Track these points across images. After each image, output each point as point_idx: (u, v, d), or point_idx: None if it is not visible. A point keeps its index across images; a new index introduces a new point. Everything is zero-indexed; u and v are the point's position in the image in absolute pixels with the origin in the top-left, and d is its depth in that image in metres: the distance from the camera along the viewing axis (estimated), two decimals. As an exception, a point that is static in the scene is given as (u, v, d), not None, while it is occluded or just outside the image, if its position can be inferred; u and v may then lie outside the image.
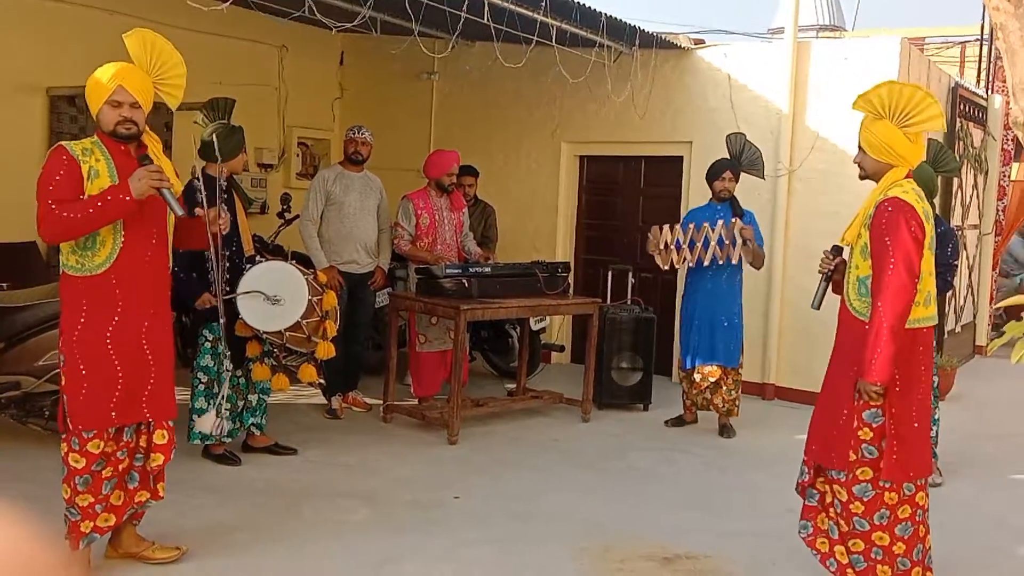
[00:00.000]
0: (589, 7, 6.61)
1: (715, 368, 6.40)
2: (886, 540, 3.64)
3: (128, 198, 3.49)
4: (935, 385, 4.82)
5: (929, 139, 5.21)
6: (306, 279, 5.10)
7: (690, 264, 6.35)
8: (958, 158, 8.36)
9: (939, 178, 5.46)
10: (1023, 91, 3.30)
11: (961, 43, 14.82)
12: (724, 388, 6.46)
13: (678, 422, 6.74)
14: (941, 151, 5.42)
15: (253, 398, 5.48)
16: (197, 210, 3.99)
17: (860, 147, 3.75)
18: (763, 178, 6.65)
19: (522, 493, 5.16)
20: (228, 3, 5.47)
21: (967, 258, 9.84)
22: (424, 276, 6.34)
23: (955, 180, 8.98)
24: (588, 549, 4.35)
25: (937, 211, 5.80)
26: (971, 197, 9.77)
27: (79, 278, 3.60)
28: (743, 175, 6.49)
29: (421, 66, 9.14)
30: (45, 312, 5.04)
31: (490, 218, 7.92)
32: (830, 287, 3.95)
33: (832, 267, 3.92)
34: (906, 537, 3.65)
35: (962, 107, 9.05)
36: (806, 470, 3.87)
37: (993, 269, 10.75)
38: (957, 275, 6.43)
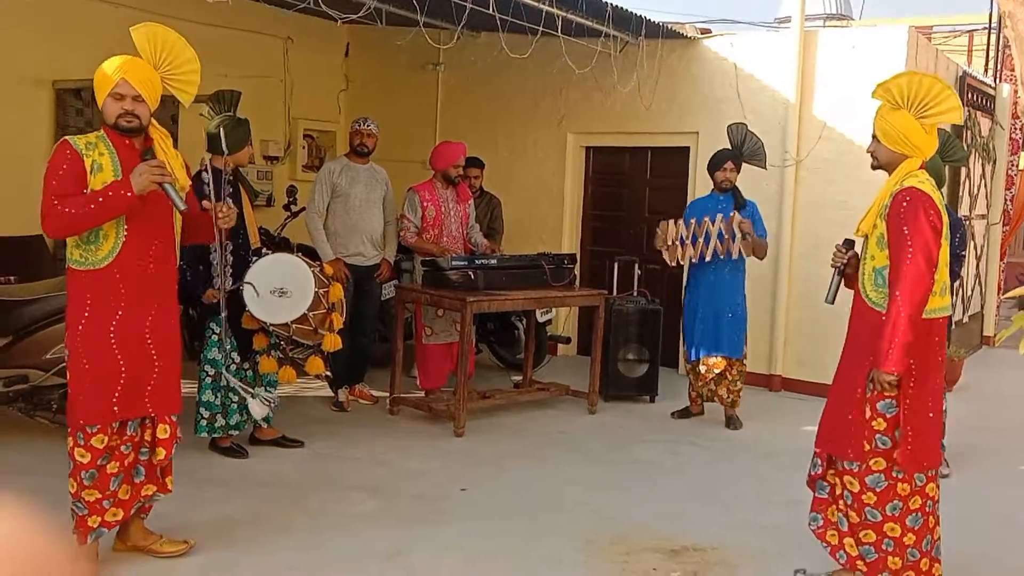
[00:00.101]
0: (595, -3, 6.59)
1: (720, 359, 6.39)
2: (897, 531, 3.64)
3: (129, 193, 3.48)
4: (943, 376, 4.81)
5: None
6: (312, 271, 5.10)
7: (693, 260, 6.34)
8: (966, 147, 8.33)
9: (947, 168, 5.44)
10: (1032, 80, 3.28)
11: (969, 32, 14.75)
12: (729, 379, 6.45)
13: (684, 414, 6.74)
14: (949, 140, 5.39)
15: (260, 391, 5.49)
16: (204, 203, 3.98)
17: (875, 136, 3.72)
18: (765, 168, 6.62)
19: (528, 485, 5.16)
20: (233, -5, 5.46)
21: (975, 248, 9.81)
22: (430, 268, 6.33)
23: (963, 170, 8.94)
24: (594, 541, 4.35)
25: (945, 201, 5.78)
26: (979, 187, 9.74)
27: (83, 272, 3.61)
28: (745, 165, 6.47)
29: (426, 57, 9.13)
30: (52, 306, 5.06)
31: (496, 210, 7.91)
32: (843, 281, 3.94)
33: (845, 261, 3.90)
34: (916, 528, 3.65)
35: (970, 96, 9.01)
36: (819, 462, 3.86)
37: (1001, 259, 10.71)
38: (965, 265, 6.41)
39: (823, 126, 7.51)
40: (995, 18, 11.01)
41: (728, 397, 6.49)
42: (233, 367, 5.24)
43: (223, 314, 4.54)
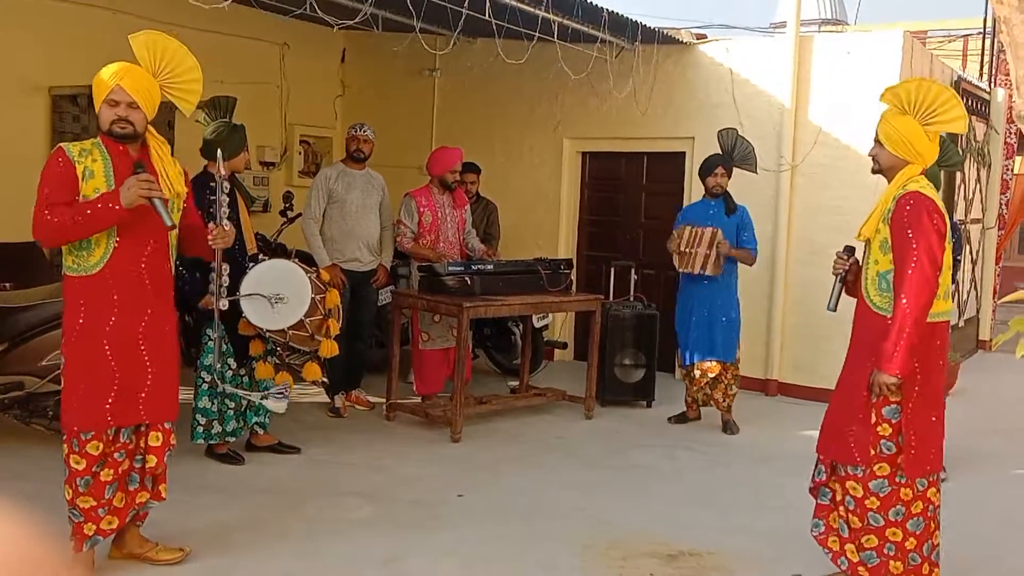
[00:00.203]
0: (590, 3, 6.60)
1: (714, 364, 6.39)
2: (899, 536, 3.65)
3: (117, 207, 3.47)
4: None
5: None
6: (309, 277, 5.10)
7: (690, 271, 6.33)
8: (961, 152, 8.34)
9: (942, 172, 5.45)
10: (1027, 85, 3.28)
11: (964, 36, 14.80)
12: (724, 383, 6.46)
13: (681, 419, 6.74)
14: (944, 145, 5.39)
15: (258, 395, 5.48)
16: (211, 224, 3.94)
17: (877, 140, 3.73)
18: (756, 172, 6.64)
19: (525, 490, 5.15)
20: (229, 1, 5.46)
21: (970, 252, 9.83)
22: (427, 274, 6.33)
23: (958, 174, 8.96)
24: (591, 546, 4.35)
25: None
26: (974, 191, 9.76)
27: (77, 278, 3.61)
28: (738, 171, 6.49)
29: (423, 63, 9.14)
30: (48, 312, 5.05)
31: (492, 215, 7.92)
32: (844, 288, 3.95)
33: (846, 268, 3.91)
34: (918, 533, 3.66)
35: (965, 101, 9.00)
36: (823, 469, 3.86)
37: (996, 263, 10.73)
38: (960, 270, 6.42)
39: (819, 131, 7.53)
40: (990, 23, 11.05)
41: (724, 401, 6.49)
42: (229, 373, 5.24)
43: (215, 330, 4.49)
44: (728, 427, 6.53)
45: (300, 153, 9.82)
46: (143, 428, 3.76)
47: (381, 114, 9.15)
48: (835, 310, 3.93)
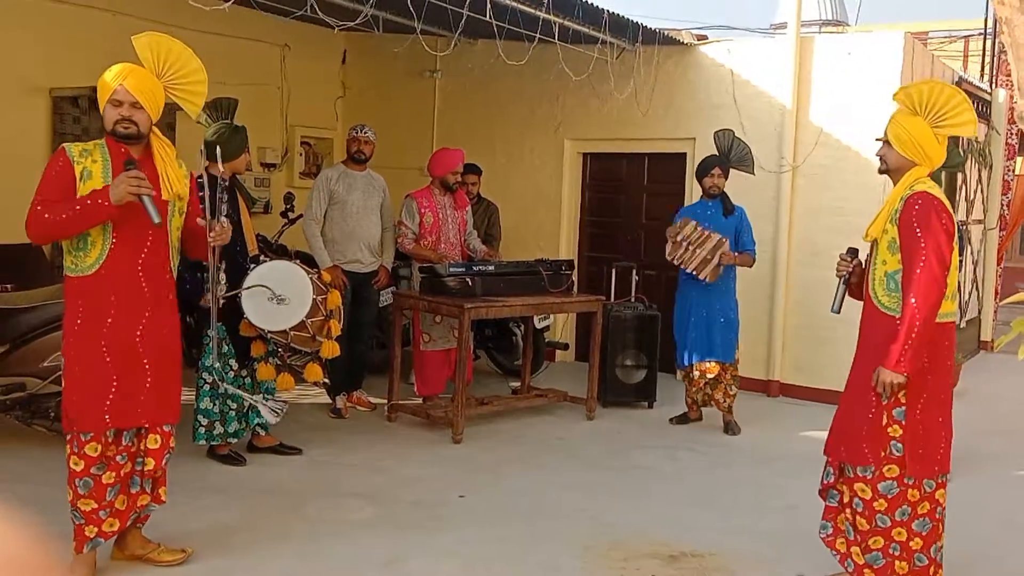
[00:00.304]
0: (591, 4, 6.60)
1: (713, 364, 6.39)
2: (904, 536, 3.64)
3: (106, 203, 3.46)
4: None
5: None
6: (310, 278, 5.10)
7: (683, 266, 6.33)
8: (962, 153, 8.34)
9: (943, 173, 5.45)
10: (1028, 86, 3.28)
11: (964, 37, 14.79)
12: (724, 384, 6.46)
13: (682, 419, 6.74)
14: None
15: (258, 398, 5.48)
16: (199, 220, 3.91)
17: (886, 140, 3.72)
18: (753, 173, 6.64)
19: (526, 491, 5.15)
20: (230, 3, 5.46)
21: (972, 253, 9.83)
22: (428, 275, 6.34)
23: (959, 175, 8.96)
24: (593, 547, 4.35)
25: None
26: (975, 192, 9.75)
27: (75, 279, 3.62)
28: (737, 172, 6.50)
29: (423, 64, 9.14)
30: (49, 313, 5.05)
31: (493, 216, 7.92)
32: (847, 290, 3.95)
33: (850, 270, 3.91)
34: (924, 533, 3.65)
35: (966, 102, 9.01)
36: (831, 471, 3.84)
37: (998, 264, 10.72)
38: (962, 270, 6.42)
39: (819, 132, 7.53)
40: (991, 24, 11.04)
41: (725, 402, 6.49)
42: (231, 374, 5.24)
43: (213, 331, 4.48)
44: (729, 428, 6.53)
45: (301, 154, 9.83)
46: (143, 431, 3.76)
47: (382, 115, 9.15)
48: (839, 312, 3.93)
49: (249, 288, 4.88)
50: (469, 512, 4.79)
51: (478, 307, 6.06)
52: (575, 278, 7.12)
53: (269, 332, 5.08)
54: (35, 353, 5.13)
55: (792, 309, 7.68)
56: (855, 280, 3.91)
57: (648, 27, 7.43)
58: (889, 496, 3.62)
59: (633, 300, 7.39)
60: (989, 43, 11.50)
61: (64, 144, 3.66)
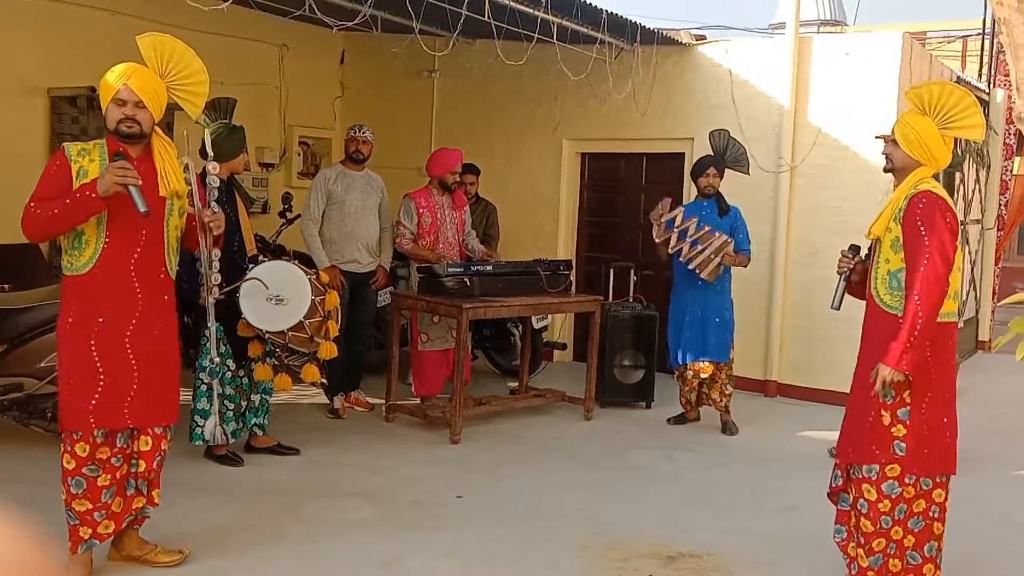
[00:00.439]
0: (590, 4, 6.60)
1: (707, 364, 6.39)
2: (900, 534, 3.65)
3: (94, 195, 3.45)
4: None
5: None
6: (309, 279, 5.09)
7: (670, 251, 6.33)
8: (960, 153, 8.34)
9: (941, 173, 5.45)
10: (1026, 86, 3.28)
11: (963, 37, 14.79)
12: (719, 383, 6.46)
13: (680, 420, 6.74)
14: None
15: (255, 398, 5.48)
16: (190, 209, 3.90)
17: (893, 139, 3.73)
18: (748, 174, 6.65)
19: (524, 491, 5.15)
20: (229, 2, 5.46)
21: (970, 253, 9.84)
22: (426, 275, 6.33)
23: (957, 175, 8.96)
24: (591, 547, 4.34)
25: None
26: (973, 192, 9.76)
27: (70, 277, 3.62)
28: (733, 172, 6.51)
29: (422, 64, 9.14)
30: (47, 314, 5.03)
31: (491, 216, 7.92)
32: (847, 288, 3.95)
33: (851, 267, 3.90)
34: (916, 531, 3.65)
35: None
36: (839, 474, 3.83)
37: (996, 264, 10.73)
38: (960, 270, 6.42)
39: (818, 132, 7.53)
40: (989, 23, 11.05)
41: (721, 401, 6.49)
42: (228, 374, 5.24)
43: (210, 327, 4.45)
44: (727, 428, 6.53)
45: (299, 154, 9.82)
46: (136, 432, 3.74)
47: (380, 115, 9.14)
48: (838, 308, 3.93)
49: (248, 280, 4.87)
50: (467, 512, 4.78)
51: (476, 307, 6.05)
52: (573, 278, 7.12)
53: (267, 332, 5.07)
54: (33, 353, 5.12)
55: (790, 309, 7.68)
56: (856, 278, 3.90)
57: (646, 27, 7.43)
58: (892, 496, 3.62)
59: (631, 300, 7.39)
60: (987, 43, 11.50)
61: (64, 144, 3.66)
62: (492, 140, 9.03)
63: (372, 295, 6.76)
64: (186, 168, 3.86)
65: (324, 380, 6.38)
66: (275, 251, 7.50)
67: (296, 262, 5.43)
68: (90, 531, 3.67)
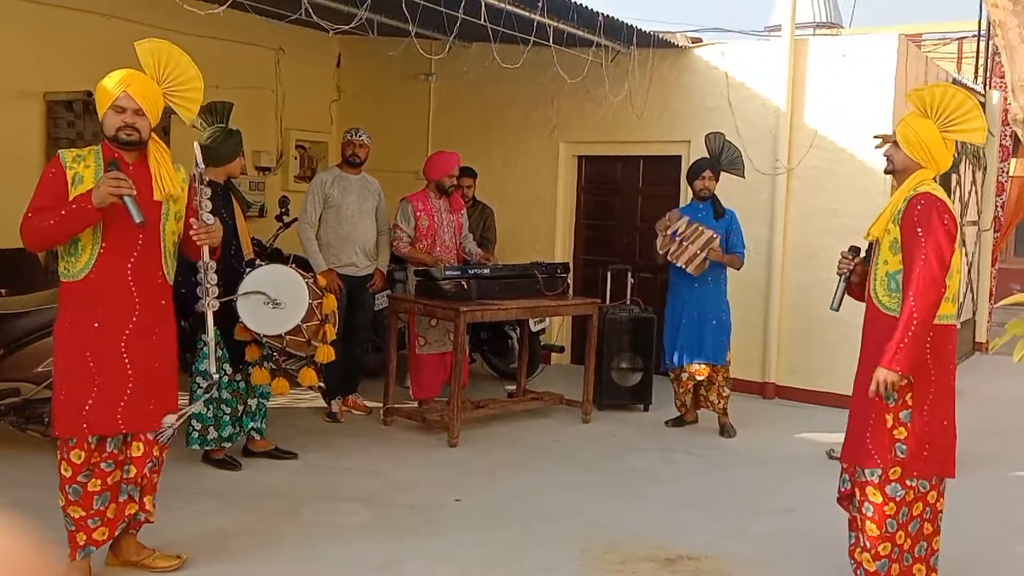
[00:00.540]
0: (586, 7, 6.61)
1: (703, 366, 6.39)
2: (902, 538, 3.65)
3: (90, 206, 3.44)
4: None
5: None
6: (306, 282, 5.09)
7: (670, 259, 6.34)
8: (956, 154, 8.34)
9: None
10: (1022, 88, 3.28)
11: (958, 39, 14.81)
12: (716, 385, 6.47)
13: (678, 422, 6.74)
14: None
15: (253, 402, 5.47)
16: (192, 221, 3.85)
17: (894, 141, 3.73)
18: (743, 177, 6.66)
19: (522, 495, 5.15)
20: (225, 6, 5.46)
21: (966, 255, 9.85)
22: (423, 278, 6.33)
23: (953, 176, 8.98)
24: (589, 550, 4.34)
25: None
26: (970, 193, 9.78)
27: (67, 283, 3.62)
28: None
29: (418, 68, 9.14)
30: (43, 318, 5.03)
31: (488, 219, 7.92)
32: (847, 289, 3.95)
33: (851, 268, 3.91)
34: (912, 533, 3.65)
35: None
36: (847, 478, 3.82)
37: (992, 265, 10.75)
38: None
39: (814, 134, 7.54)
40: (985, 25, 11.06)
41: (719, 403, 6.50)
42: (225, 378, 5.23)
43: (208, 333, 4.41)
44: (725, 430, 6.53)
45: (296, 158, 9.82)
46: (128, 437, 3.72)
47: (377, 119, 9.15)
48: (838, 310, 3.93)
49: (244, 295, 4.86)
50: (465, 516, 4.78)
51: (474, 310, 6.05)
52: (570, 281, 7.12)
53: (264, 336, 5.06)
54: (29, 358, 5.11)
55: (787, 311, 7.69)
56: (856, 280, 3.90)
57: (642, 30, 7.44)
58: (896, 498, 3.62)
59: (628, 303, 7.39)
60: (983, 45, 11.52)
61: (59, 151, 3.65)
62: (489, 143, 9.03)
63: (369, 299, 6.76)
64: (193, 178, 3.83)
65: (322, 384, 6.38)
66: (272, 255, 7.50)
67: (293, 266, 5.43)
68: (85, 537, 3.66)
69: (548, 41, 6.78)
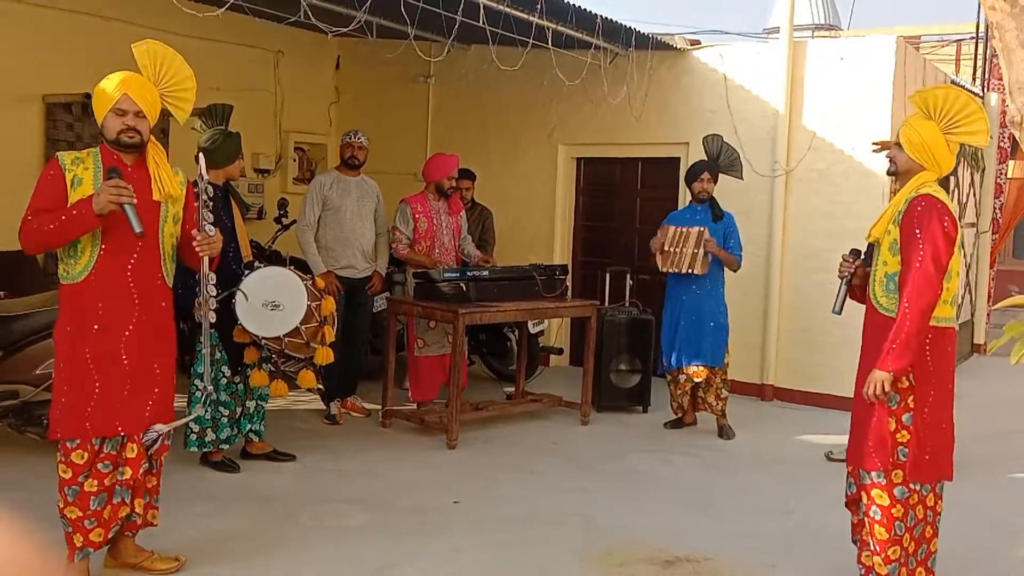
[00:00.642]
0: (584, 9, 6.62)
1: (701, 368, 6.40)
2: (907, 541, 3.65)
3: (90, 213, 3.45)
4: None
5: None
6: (305, 284, 5.09)
7: (670, 270, 6.35)
8: (955, 156, 8.33)
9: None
10: (1020, 90, 3.29)
11: (956, 41, 14.83)
12: (715, 387, 6.47)
13: (677, 424, 6.74)
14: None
15: (251, 404, 5.47)
16: (194, 232, 3.83)
17: (897, 142, 3.73)
18: (742, 179, 6.67)
19: (522, 496, 5.15)
20: (224, 8, 5.46)
21: (965, 256, 9.85)
22: (422, 280, 6.33)
23: (952, 178, 8.99)
24: (588, 552, 4.34)
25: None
26: (968, 195, 9.79)
27: (66, 286, 3.62)
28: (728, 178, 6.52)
29: (417, 70, 9.15)
30: (42, 321, 5.03)
31: (487, 221, 7.92)
32: (848, 292, 3.95)
33: (853, 271, 3.91)
34: (917, 536, 3.65)
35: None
36: (852, 481, 3.82)
37: (991, 267, 10.76)
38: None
39: (813, 136, 7.54)
40: (983, 28, 11.07)
41: (718, 405, 6.50)
42: (224, 380, 5.23)
43: (205, 345, 4.40)
44: (724, 432, 6.53)
45: (295, 160, 9.83)
46: (125, 439, 3.72)
47: (376, 121, 9.15)
48: (840, 313, 3.93)
49: (243, 295, 4.86)
50: (464, 518, 4.78)
51: (472, 312, 6.05)
52: (569, 283, 7.13)
53: (263, 338, 5.06)
54: (28, 360, 5.11)
55: (786, 313, 7.69)
56: (858, 282, 3.91)
57: (641, 32, 7.45)
58: (903, 500, 3.62)
59: (627, 304, 7.40)
60: (981, 47, 11.53)
61: (58, 153, 3.66)
62: (488, 145, 9.04)
63: (368, 301, 6.76)
64: (195, 186, 3.83)
65: (320, 386, 6.38)
66: (271, 257, 7.50)
67: (292, 268, 5.43)
68: (83, 539, 3.65)
69: (547, 43, 6.78)
